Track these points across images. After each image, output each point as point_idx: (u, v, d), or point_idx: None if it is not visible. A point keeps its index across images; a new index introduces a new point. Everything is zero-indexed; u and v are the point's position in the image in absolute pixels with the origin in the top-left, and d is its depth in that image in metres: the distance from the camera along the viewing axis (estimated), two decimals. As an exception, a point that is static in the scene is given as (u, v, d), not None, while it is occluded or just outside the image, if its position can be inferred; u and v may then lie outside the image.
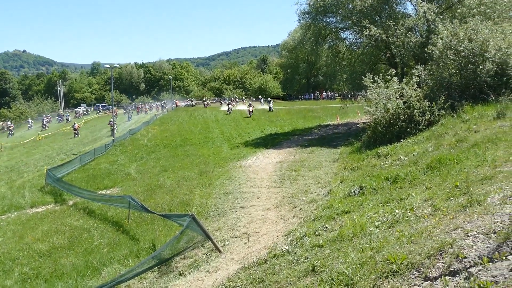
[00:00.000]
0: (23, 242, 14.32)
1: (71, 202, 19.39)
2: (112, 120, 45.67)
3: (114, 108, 62.92)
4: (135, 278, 9.66)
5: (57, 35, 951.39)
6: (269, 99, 70.29)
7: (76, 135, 50.67)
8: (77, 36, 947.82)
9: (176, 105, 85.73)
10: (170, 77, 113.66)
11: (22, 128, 72.71)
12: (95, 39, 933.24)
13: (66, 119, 78.31)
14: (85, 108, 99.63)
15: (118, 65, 67.89)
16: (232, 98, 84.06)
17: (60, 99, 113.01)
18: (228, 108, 58.86)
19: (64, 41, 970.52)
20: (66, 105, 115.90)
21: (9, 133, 64.24)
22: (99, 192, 20.29)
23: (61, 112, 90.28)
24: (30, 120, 76.27)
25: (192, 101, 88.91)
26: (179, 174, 21.94)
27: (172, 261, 10.31)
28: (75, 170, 26.77)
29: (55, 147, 41.14)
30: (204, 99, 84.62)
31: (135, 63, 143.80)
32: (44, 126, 66.65)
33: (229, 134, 36.28)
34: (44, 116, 75.75)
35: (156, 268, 10.09)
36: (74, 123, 56.96)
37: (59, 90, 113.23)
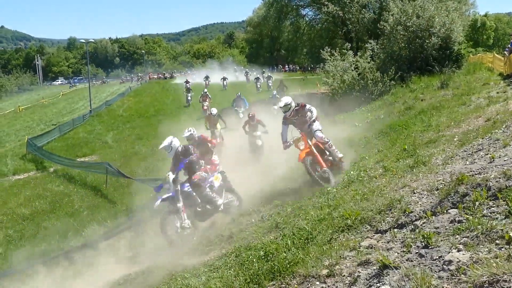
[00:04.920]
0: (7, 207, 14.00)
1: (51, 169, 18.93)
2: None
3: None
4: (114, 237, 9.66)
5: (34, 11, 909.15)
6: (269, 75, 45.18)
7: (121, 82, 70.76)
8: (53, 12, 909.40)
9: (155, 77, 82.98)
10: (143, 51, 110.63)
11: None
12: (71, 14, 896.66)
13: None
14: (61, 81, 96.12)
15: (93, 40, 65.64)
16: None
17: (38, 72, 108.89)
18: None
19: (41, 17, 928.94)
20: (45, 79, 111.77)
21: None
22: (78, 159, 19.85)
23: None
24: None
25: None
26: (153, 142, 21.61)
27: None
28: (55, 139, 26.02)
29: (35, 118, 39.79)
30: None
31: (109, 38, 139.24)
32: None
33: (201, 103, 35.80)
34: None
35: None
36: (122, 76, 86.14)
37: (38, 64, 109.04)
